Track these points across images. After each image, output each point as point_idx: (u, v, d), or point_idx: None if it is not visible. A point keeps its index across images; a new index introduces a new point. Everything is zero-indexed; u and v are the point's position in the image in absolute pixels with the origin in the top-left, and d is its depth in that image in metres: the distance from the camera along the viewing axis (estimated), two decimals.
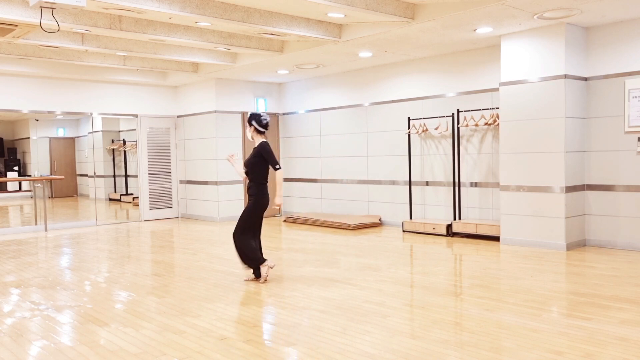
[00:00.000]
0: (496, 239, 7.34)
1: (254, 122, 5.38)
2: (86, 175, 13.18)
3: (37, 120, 13.08)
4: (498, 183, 7.56)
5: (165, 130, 11.25)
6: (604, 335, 3.62)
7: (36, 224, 9.86)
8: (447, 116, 8.16)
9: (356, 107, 9.64)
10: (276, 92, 11.16)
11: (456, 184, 8.06)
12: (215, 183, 10.40)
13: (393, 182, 9.08)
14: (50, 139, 13.61)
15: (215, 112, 10.32)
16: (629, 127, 6.43)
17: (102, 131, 12.32)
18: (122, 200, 13.04)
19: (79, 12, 6.17)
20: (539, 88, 6.72)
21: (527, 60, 6.81)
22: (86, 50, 7.82)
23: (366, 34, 6.90)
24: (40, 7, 4.88)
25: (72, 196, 13.90)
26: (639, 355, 3.27)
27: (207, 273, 5.80)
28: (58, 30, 5.51)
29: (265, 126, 5.39)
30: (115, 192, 13.20)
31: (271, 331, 3.93)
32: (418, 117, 8.53)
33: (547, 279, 5.22)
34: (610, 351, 3.33)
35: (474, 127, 7.85)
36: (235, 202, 10.59)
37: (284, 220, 10.20)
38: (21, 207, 13.53)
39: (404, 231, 8.40)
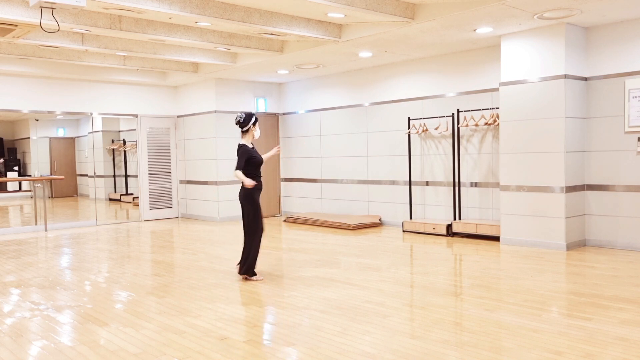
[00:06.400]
0: (496, 239, 7.34)
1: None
2: (86, 175, 13.18)
3: (37, 120, 13.07)
4: (498, 183, 7.56)
5: (165, 130, 11.24)
6: (604, 335, 3.62)
7: (36, 224, 9.86)
8: (447, 116, 8.16)
9: (356, 107, 9.64)
10: (276, 92, 11.15)
11: (456, 184, 8.06)
12: (215, 183, 10.40)
13: (393, 182, 9.08)
14: (50, 139, 13.60)
15: (215, 112, 10.32)
16: (629, 127, 6.43)
17: (102, 131, 12.32)
18: (122, 200, 13.04)
19: (79, 12, 6.17)
20: (539, 88, 6.72)
21: (527, 60, 6.80)
22: (86, 50, 7.82)
23: (366, 34, 6.90)
24: (40, 7, 4.88)
25: (72, 196, 13.90)
26: (639, 355, 3.27)
27: (207, 273, 5.80)
28: (58, 30, 5.50)
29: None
30: (115, 192, 13.20)
31: (271, 331, 3.93)
32: (418, 117, 8.53)
33: (547, 279, 5.22)
34: (610, 351, 3.33)
35: (474, 127, 7.85)
36: (235, 202, 10.51)
37: (284, 220, 10.20)
38: (21, 207, 13.53)
39: (404, 231, 8.40)
